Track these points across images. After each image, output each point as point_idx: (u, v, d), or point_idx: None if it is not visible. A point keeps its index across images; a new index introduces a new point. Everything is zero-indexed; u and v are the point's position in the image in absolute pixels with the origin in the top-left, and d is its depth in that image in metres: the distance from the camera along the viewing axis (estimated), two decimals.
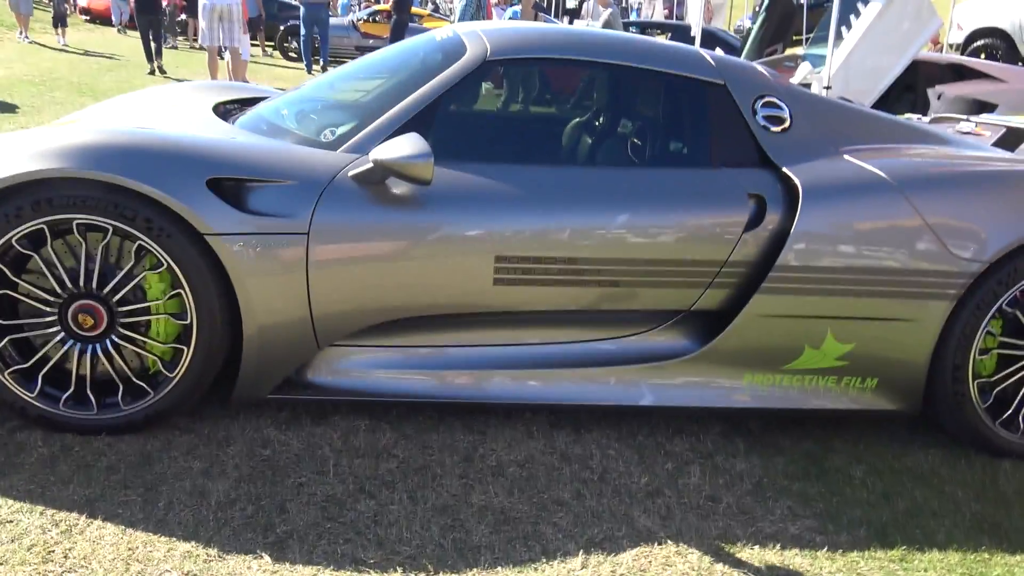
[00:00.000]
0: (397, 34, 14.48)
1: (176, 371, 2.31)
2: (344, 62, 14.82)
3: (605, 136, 3.06)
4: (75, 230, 2.21)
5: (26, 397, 2.28)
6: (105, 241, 2.23)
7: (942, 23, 9.13)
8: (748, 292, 2.56)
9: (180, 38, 17.73)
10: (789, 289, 2.53)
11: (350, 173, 2.37)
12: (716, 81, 2.78)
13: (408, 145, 2.30)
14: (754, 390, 2.64)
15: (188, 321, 2.27)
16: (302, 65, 13.87)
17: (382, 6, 17.90)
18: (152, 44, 12.02)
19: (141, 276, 2.27)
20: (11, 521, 1.95)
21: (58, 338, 2.28)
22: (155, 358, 2.33)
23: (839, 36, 7.62)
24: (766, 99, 2.81)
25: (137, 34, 13.95)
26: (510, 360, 2.57)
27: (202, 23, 9.58)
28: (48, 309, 2.27)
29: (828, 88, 7.29)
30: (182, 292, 2.25)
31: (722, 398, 2.63)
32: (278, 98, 3.22)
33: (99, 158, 2.18)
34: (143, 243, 2.21)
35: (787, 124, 2.78)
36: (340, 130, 2.63)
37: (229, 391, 2.40)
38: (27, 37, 13.90)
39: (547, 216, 2.47)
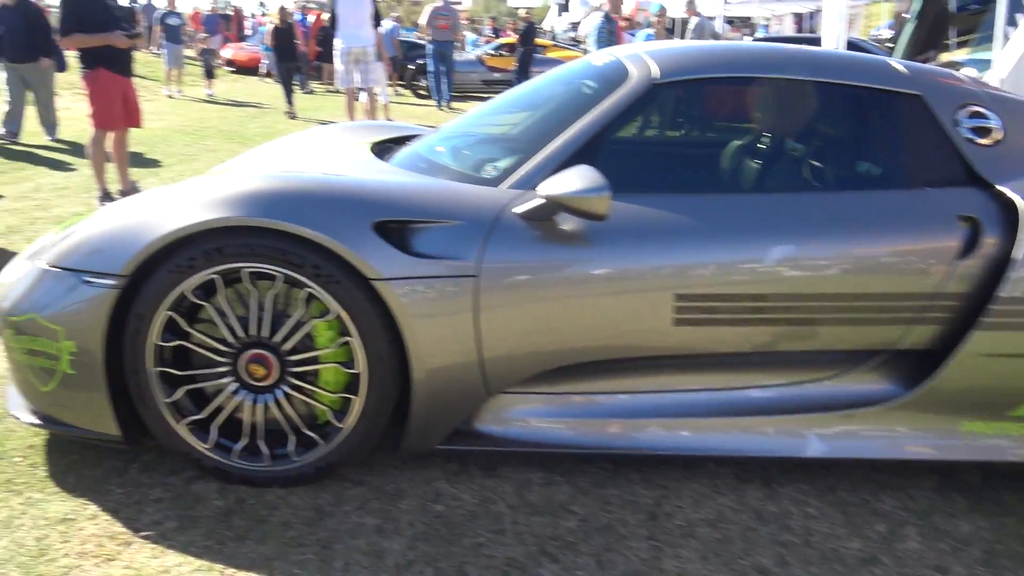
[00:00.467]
0: (524, 65, 14.63)
1: (346, 421, 2.23)
2: (472, 96, 15.01)
3: (787, 159, 2.81)
4: (245, 278, 2.18)
5: (201, 448, 2.26)
6: (275, 289, 2.19)
7: None
8: (963, 328, 2.25)
9: (314, 83, 18.51)
10: (1015, 324, 2.21)
11: (517, 210, 2.25)
12: (911, 92, 2.50)
13: (580, 178, 2.15)
14: (974, 439, 2.32)
15: (357, 370, 2.19)
16: (433, 102, 14.15)
17: (508, 39, 18.11)
18: (291, 88, 12.64)
19: (310, 324, 2.21)
20: None
21: (231, 388, 2.25)
22: (324, 408, 2.26)
23: (1006, 37, 7.03)
24: (970, 108, 2.51)
25: (275, 81, 14.69)
26: (669, 408, 2.36)
27: (339, 66, 9.84)
28: (221, 359, 2.24)
29: None
30: (351, 340, 2.18)
31: (937, 449, 2.31)
32: (431, 135, 3.16)
33: (269, 205, 2.14)
34: (311, 290, 2.15)
35: (997, 135, 2.47)
36: (502, 165, 2.52)
37: (396, 442, 2.31)
38: (180, 91, 14.85)
39: (730, 249, 2.26)
